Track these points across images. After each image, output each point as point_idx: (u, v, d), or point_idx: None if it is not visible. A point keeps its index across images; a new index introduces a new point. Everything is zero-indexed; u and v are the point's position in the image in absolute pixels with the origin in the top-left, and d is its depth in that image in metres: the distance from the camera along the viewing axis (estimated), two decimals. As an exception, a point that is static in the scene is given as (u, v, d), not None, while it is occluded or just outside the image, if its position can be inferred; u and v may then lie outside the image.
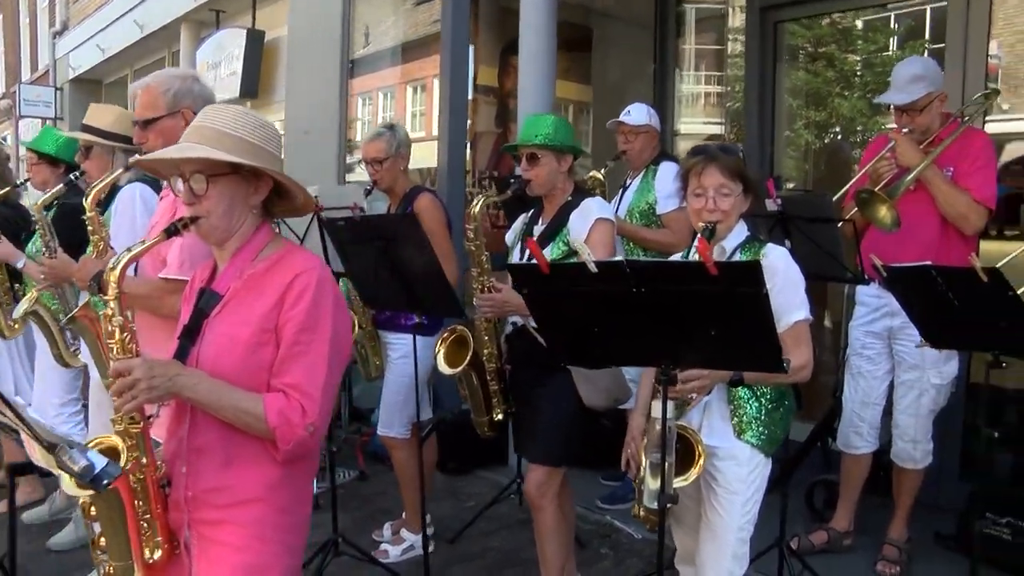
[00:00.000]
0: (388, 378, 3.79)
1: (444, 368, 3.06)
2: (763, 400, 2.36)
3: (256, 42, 8.29)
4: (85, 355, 3.16)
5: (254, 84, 8.30)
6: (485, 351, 3.08)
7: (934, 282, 2.39)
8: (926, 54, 4.68)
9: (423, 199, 3.68)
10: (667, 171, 3.95)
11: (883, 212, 3.22)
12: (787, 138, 6.14)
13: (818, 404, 4.91)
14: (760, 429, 2.35)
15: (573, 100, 7.91)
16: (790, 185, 5.60)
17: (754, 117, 5.09)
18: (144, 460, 1.77)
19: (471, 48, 6.44)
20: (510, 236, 3.25)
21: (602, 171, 4.07)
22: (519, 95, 4.85)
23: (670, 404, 2.26)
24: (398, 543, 3.88)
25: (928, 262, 2.41)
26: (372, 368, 3.96)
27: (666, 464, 1.94)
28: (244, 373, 1.76)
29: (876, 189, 3.28)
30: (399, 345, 3.73)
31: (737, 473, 2.33)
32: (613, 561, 3.82)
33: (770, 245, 2.39)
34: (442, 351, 3.08)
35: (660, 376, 1.92)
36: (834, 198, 3.39)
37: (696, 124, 6.90)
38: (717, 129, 6.84)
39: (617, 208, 4.21)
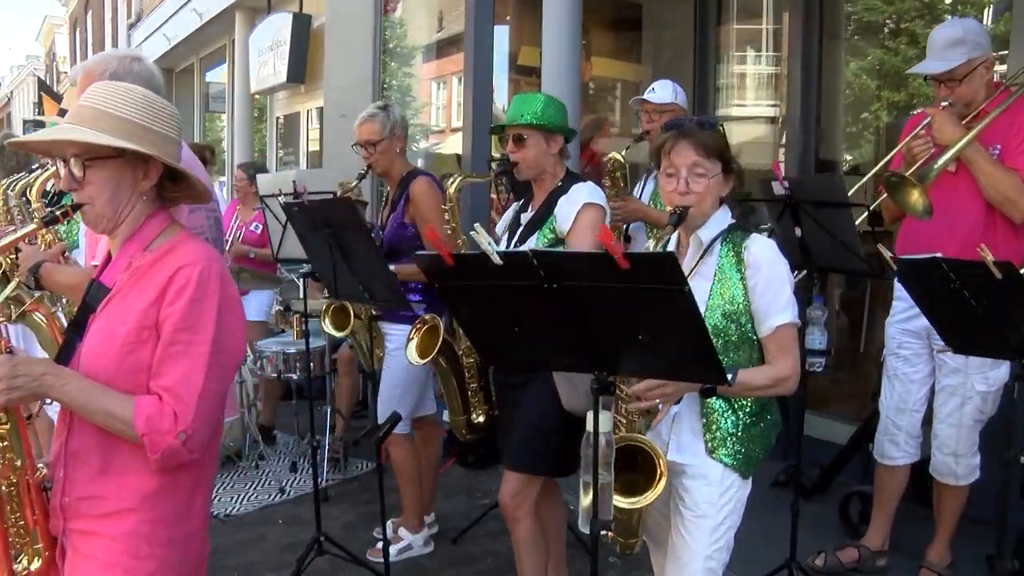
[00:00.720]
0: (384, 371, 3.62)
1: (414, 358, 2.87)
2: (741, 414, 2.07)
3: (303, 26, 8.26)
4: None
5: (301, 69, 8.28)
6: (464, 345, 2.87)
7: (947, 277, 2.05)
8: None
9: (419, 183, 3.48)
10: None
11: (914, 197, 2.85)
12: (864, 120, 5.70)
13: (863, 405, 4.53)
14: (736, 447, 2.06)
15: (624, 79, 7.61)
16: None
17: (797, 95, 4.69)
18: (19, 462, 1.65)
19: (507, 29, 6.24)
20: (500, 226, 3.02)
21: (623, 152, 3.80)
22: (543, 75, 4.62)
23: (637, 416, 2.02)
24: (395, 542, 3.72)
25: (938, 253, 2.07)
26: (373, 360, 3.81)
27: (599, 485, 1.70)
28: (122, 374, 1.62)
29: (909, 172, 2.91)
30: (395, 336, 3.55)
31: (707, 494, 2.05)
32: (620, 571, 3.56)
33: (754, 235, 2.09)
34: (415, 340, 2.89)
35: (593, 385, 1.67)
36: (860, 182, 3.03)
37: (753, 107, 6.51)
38: (773, 111, 6.43)
39: (641, 193, 3.95)
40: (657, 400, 1.94)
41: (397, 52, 7.93)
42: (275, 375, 4.75)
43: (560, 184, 2.79)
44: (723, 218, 2.12)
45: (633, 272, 1.38)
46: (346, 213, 2.59)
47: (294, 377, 4.73)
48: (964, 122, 2.93)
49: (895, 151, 3.09)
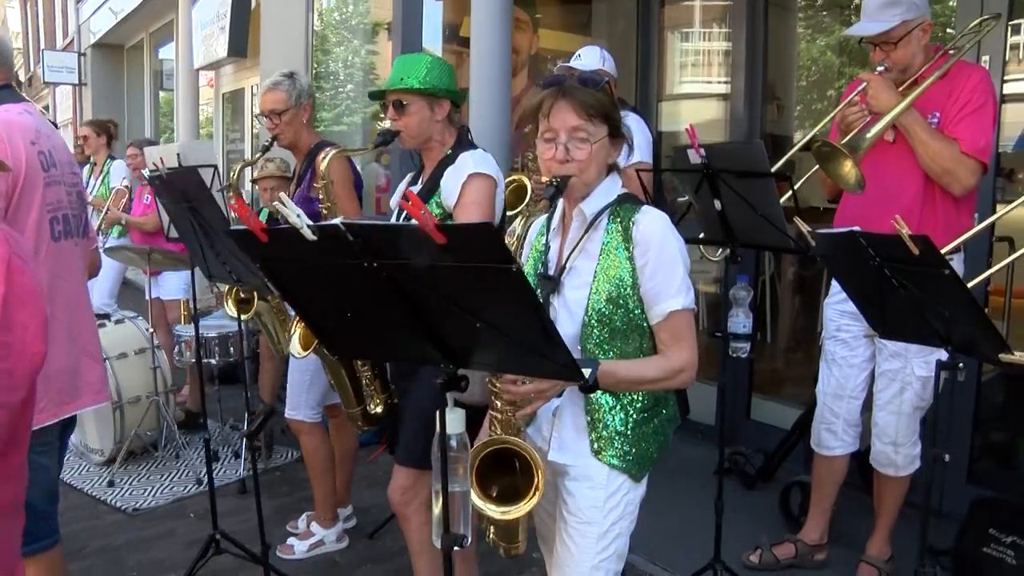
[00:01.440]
0: (291, 355, 3.37)
1: (297, 350, 2.61)
2: (631, 410, 1.83)
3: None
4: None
5: (242, 43, 7.94)
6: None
7: (865, 253, 1.84)
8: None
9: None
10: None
11: (846, 169, 2.63)
12: (830, 97, 5.49)
13: (807, 389, 4.35)
14: (625, 447, 1.82)
15: (573, 52, 7.33)
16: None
17: (741, 69, 4.46)
18: None
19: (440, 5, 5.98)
20: (393, 200, 2.76)
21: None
22: (471, 46, 4.38)
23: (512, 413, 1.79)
24: (306, 537, 3.50)
25: (856, 228, 1.85)
26: (283, 345, 3.56)
27: (449, 494, 1.46)
28: None
29: (842, 142, 2.70)
30: (303, 320, 3.30)
31: (592, 499, 1.82)
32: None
33: (645, 208, 1.83)
34: (298, 331, 2.63)
35: (438, 380, 1.43)
36: (789, 152, 2.81)
37: (705, 83, 6.27)
38: (725, 88, 6.22)
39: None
40: (532, 396, 1.70)
41: (360, 29, 7.62)
42: (194, 360, 4.49)
43: (449, 153, 2.52)
44: (611, 188, 1.87)
45: (452, 247, 1.13)
46: (196, 184, 2.31)
47: (213, 362, 4.50)
48: (901, 89, 2.72)
49: (829, 117, 2.87)
